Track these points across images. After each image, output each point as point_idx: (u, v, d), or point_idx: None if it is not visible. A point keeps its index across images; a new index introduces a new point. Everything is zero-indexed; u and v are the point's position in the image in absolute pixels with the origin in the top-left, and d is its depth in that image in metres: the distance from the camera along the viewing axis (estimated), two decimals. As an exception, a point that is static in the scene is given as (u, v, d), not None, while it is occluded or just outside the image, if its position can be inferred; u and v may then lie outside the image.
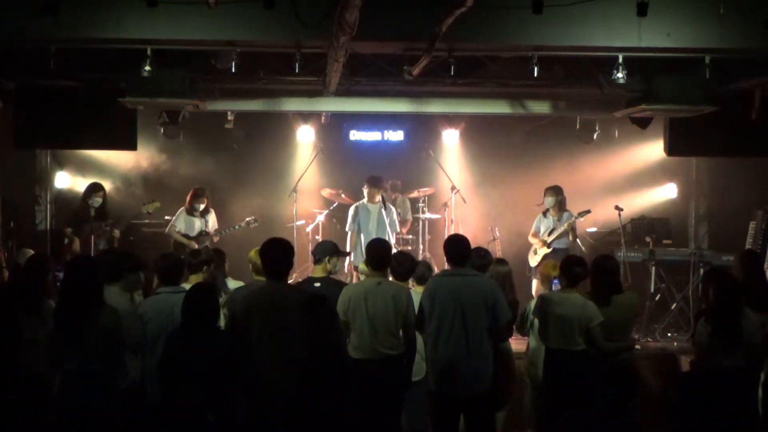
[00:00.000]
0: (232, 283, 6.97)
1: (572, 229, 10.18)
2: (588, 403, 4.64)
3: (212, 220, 10.47)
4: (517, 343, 7.13)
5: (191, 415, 4.68)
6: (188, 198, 10.39)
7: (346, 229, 10.93)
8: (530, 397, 6.85)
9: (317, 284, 6.56)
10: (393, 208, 10.68)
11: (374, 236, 10.08)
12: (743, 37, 7.19)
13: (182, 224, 10.32)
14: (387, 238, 10.05)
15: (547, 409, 6.18)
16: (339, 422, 4.91)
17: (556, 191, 10.39)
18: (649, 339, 9.72)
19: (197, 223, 10.34)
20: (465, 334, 5.94)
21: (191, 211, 10.34)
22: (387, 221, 10.41)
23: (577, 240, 10.53)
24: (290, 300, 5.55)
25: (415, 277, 6.89)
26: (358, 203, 10.87)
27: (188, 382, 4.93)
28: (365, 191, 10.75)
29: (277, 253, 5.69)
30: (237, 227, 10.54)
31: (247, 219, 10.60)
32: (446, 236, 8.36)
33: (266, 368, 5.39)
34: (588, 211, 10.31)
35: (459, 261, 6.13)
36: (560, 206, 10.34)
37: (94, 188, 9.96)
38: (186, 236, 10.23)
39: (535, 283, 9.92)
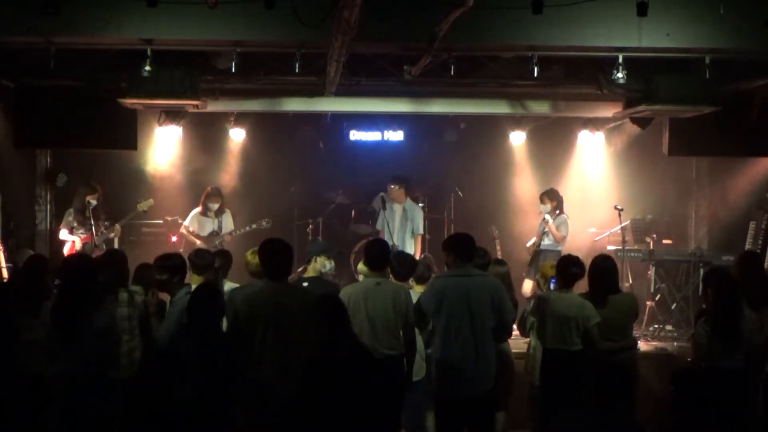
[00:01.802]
0: (227, 285, 6.95)
1: (548, 229, 10.11)
2: (583, 402, 4.65)
3: (227, 221, 10.50)
4: (517, 344, 7.13)
5: (190, 415, 4.69)
6: (202, 198, 10.44)
7: (377, 227, 10.86)
8: (530, 397, 6.85)
9: (305, 284, 6.56)
10: (417, 211, 10.56)
11: (396, 237, 10.25)
12: (743, 37, 7.19)
13: (195, 224, 10.36)
14: (405, 240, 10.17)
15: (544, 409, 6.18)
16: (341, 423, 4.92)
17: (550, 196, 10.26)
18: (648, 339, 9.71)
19: (209, 224, 10.39)
20: (473, 335, 5.94)
21: (204, 212, 10.38)
22: (408, 223, 10.37)
23: (564, 237, 10.31)
24: (294, 300, 5.56)
25: (414, 276, 6.89)
26: (387, 204, 10.80)
27: (189, 382, 4.95)
28: (390, 192, 10.63)
29: (278, 253, 5.69)
30: (249, 228, 10.52)
31: (261, 221, 10.58)
32: (446, 236, 8.39)
33: (270, 369, 5.38)
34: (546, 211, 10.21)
35: (466, 257, 6.12)
36: (556, 209, 10.23)
37: (89, 189, 9.94)
38: (197, 236, 10.26)
39: (525, 283, 9.90)
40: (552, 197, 10.25)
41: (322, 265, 6.69)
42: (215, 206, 10.41)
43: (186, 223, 10.43)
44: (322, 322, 5.17)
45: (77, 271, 5.54)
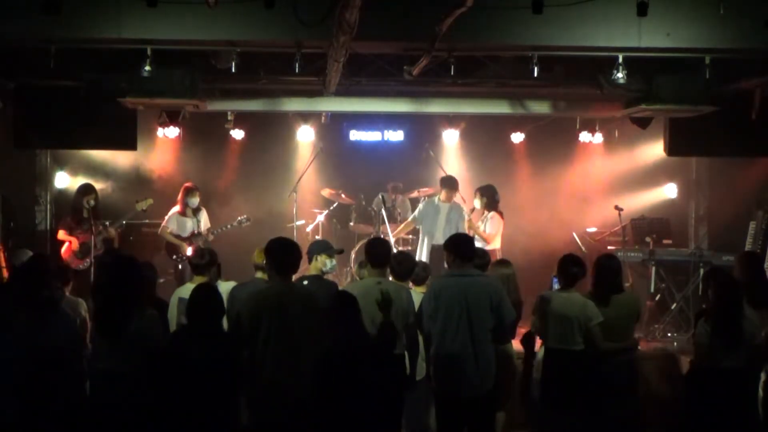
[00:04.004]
0: (224, 285, 6.93)
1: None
2: (585, 403, 4.65)
3: (204, 218, 10.37)
4: (517, 344, 7.11)
5: (192, 415, 4.68)
6: (180, 197, 10.25)
7: (409, 219, 10.83)
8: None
9: (305, 282, 6.55)
10: (458, 212, 10.43)
11: (440, 235, 10.08)
12: (743, 37, 7.19)
13: (174, 225, 10.22)
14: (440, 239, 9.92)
15: (544, 408, 6.18)
16: (343, 422, 4.92)
17: (483, 192, 10.05)
18: (649, 339, 9.71)
19: (189, 224, 10.24)
20: (470, 335, 5.94)
21: (184, 211, 10.24)
22: (454, 221, 10.21)
23: (492, 236, 9.98)
24: (297, 299, 5.56)
25: (412, 277, 6.88)
26: (430, 198, 10.73)
27: (191, 382, 4.94)
28: (443, 192, 10.51)
29: (286, 251, 5.72)
30: (229, 226, 10.46)
31: (239, 218, 10.52)
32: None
33: (275, 368, 5.38)
34: (472, 209, 10.13)
35: (466, 258, 6.14)
36: (487, 207, 10.04)
37: (86, 189, 9.88)
38: (178, 237, 10.18)
39: None
40: (484, 194, 10.02)
41: (323, 263, 6.65)
42: (196, 201, 10.23)
43: (165, 224, 10.26)
44: (335, 319, 5.15)
45: (120, 271, 5.49)
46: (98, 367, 5.30)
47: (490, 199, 10.05)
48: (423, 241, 10.47)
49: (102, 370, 5.27)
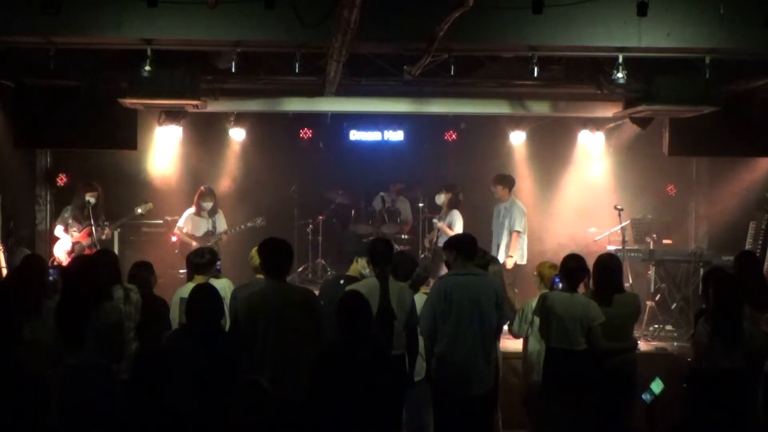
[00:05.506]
0: (217, 283, 6.91)
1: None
2: (586, 402, 4.66)
3: (221, 221, 10.43)
4: (515, 343, 7.13)
5: (189, 416, 4.67)
6: (195, 198, 10.37)
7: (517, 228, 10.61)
8: (524, 398, 6.87)
9: (341, 281, 6.61)
10: (515, 209, 10.37)
11: (494, 235, 10.24)
12: (743, 37, 7.18)
13: (189, 225, 10.31)
14: (502, 238, 10.01)
15: (545, 408, 6.18)
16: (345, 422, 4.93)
17: (448, 189, 10.22)
18: (649, 339, 9.71)
19: (204, 224, 10.32)
20: (481, 334, 5.98)
21: (198, 212, 10.34)
22: (506, 221, 10.19)
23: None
24: (294, 299, 5.57)
25: (412, 278, 6.88)
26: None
27: (188, 383, 4.94)
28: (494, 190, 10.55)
29: (278, 252, 5.71)
30: (244, 227, 10.49)
31: (256, 219, 10.56)
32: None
33: (271, 370, 5.38)
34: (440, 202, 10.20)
35: (470, 256, 6.18)
36: (451, 204, 10.18)
37: (88, 187, 9.92)
38: (192, 236, 10.21)
39: None
40: (449, 190, 10.16)
41: (362, 266, 6.65)
42: (209, 205, 10.33)
43: (180, 224, 10.37)
44: (344, 317, 5.17)
45: (77, 270, 5.56)
46: (64, 363, 5.37)
47: (456, 198, 10.25)
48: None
49: (68, 366, 5.34)
